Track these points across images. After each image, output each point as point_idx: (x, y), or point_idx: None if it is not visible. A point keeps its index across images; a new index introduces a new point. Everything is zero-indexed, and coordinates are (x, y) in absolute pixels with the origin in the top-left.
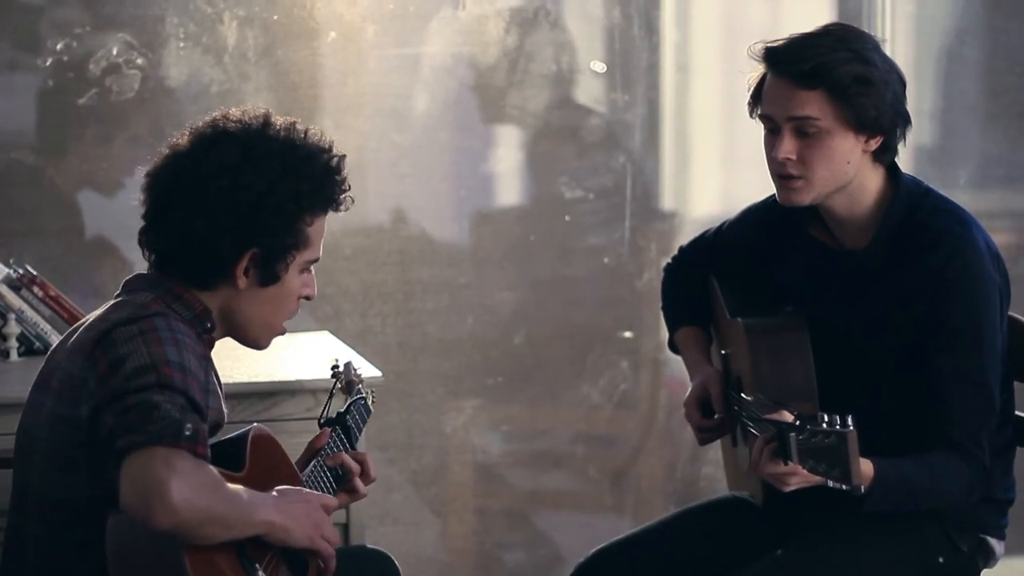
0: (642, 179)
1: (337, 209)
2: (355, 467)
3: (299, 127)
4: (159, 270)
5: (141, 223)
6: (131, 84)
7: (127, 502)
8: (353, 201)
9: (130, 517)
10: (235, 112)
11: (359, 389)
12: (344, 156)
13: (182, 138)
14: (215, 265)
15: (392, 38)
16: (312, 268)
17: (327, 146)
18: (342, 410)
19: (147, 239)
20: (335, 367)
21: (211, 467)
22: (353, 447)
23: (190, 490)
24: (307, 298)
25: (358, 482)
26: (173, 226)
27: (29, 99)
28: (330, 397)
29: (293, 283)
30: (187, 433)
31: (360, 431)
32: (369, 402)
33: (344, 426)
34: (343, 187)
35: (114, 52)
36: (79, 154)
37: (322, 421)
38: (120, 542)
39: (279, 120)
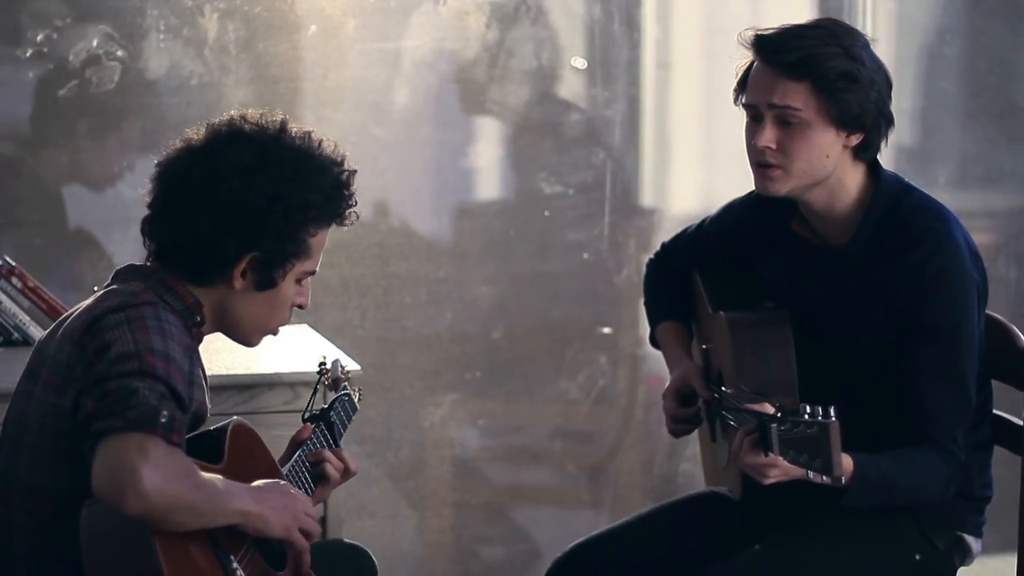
0: (622, 175)
1: (342, 223)
2: (336, 463)
3: (314, 137)
4: (158, 260)
5: (133, 213)
6: (111, 76)
7: (98, 486)
8: (358, 217)
9: (101, 502)
10: (253, 114)
11: (345, 386)
12: (355, 171)
13: (197, 133)
14: (214, 264)
15: (373, 32)
16: (308, 280)
17: (339, 159)
18: (325, 406)
19: (151, 228)
20: (322, 364)
21: (184, 455)
22: (337, 443)
23: (161, 477)
24: (300, 306)
25: (328, 468)
26: (179, 220)
27: (9, 91)
28: (314, 393)
29: (288, 290)
30: (163, 420)
31: (345, 427)
32: (356, 399)
33: (328, 422)
34: (350, 202)
35: (94, 44)
36: (59, 146)
37: (306, 416)
38: (93, 532)
39: (295, 128)
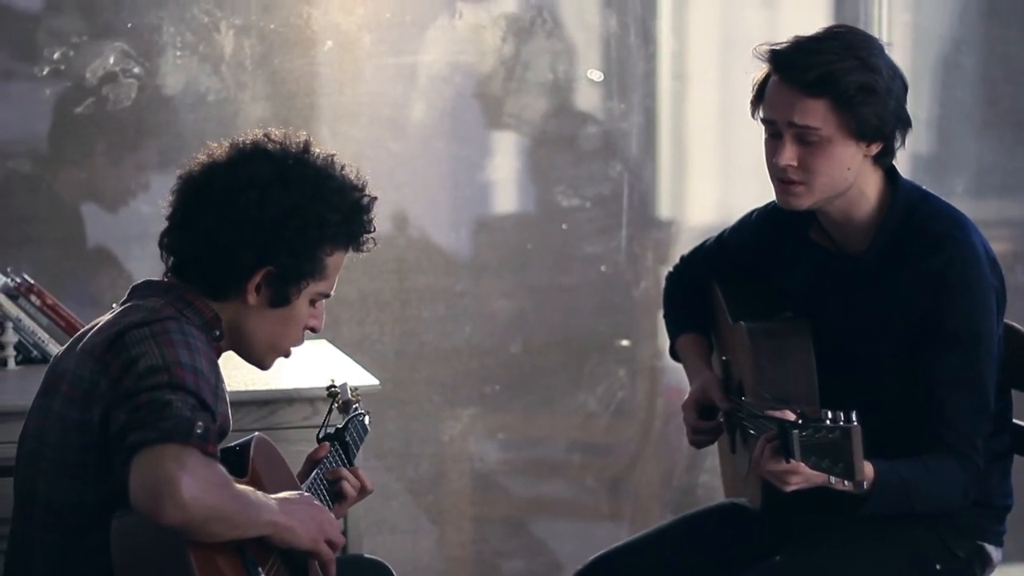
0: (639, 187)
1: (358, 249)
2: (353, 481)
3: (337, 160)
4: (176, 274)
5: (150, 230)
6: (128, 93)
7: (137, 498)
8: (376, 244)
9: (138, 515)
10: (277, 133)
11: (356, 408)
12: (375, 199)
13: (220, 148)
14: (230, 276)
15: (389, 47)
16: (322, 303)
17: (361, 184)
18: (340, 426)
19: (169, 241)
20: (331, 387)
21: (219, 465)
22: (351, 463)
23: (199, 487)
24: (313, 329)
25: (346, 486)
26: (197, 232)
27: (26, 108)
28: (328, 413)
29: (302, 310)
30: (198, 431)
31: (358, 448)
32: (366, 421)
33: (343, 442)
34: (368, 228)
35: (111, 61)
36: (76, 163)
37: (321, 436)
38: (125, 544)
39: (319, 149)
